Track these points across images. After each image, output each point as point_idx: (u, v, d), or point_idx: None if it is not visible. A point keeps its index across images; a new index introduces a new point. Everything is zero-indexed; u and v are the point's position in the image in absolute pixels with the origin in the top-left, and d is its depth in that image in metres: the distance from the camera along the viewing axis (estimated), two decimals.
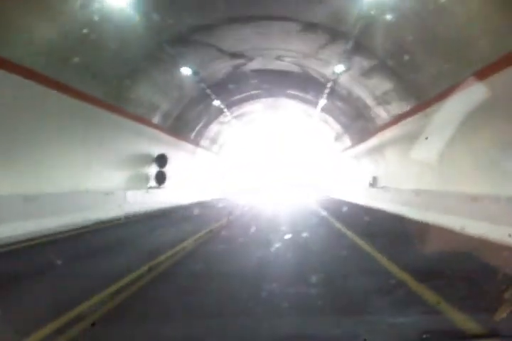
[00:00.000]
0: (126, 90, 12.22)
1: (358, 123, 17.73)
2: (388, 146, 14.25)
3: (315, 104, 20.27)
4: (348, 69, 13.18)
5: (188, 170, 22.14)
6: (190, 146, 21.31)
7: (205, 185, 25.59)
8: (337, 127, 22.45)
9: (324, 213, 12.79)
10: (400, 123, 12.39)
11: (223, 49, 14.03)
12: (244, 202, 21.55)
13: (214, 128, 23.88)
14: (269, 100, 22.89)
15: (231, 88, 18.41)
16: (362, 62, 12.41)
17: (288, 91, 20.35)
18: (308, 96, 19.98)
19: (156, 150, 16.12)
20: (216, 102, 18.57)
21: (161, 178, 16.40)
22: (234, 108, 22.66)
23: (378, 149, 15.84)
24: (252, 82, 18.38)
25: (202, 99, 17.46)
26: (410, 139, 10.84)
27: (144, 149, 14.96)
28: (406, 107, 11.64)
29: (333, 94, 16.59)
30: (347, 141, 22.58)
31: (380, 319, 2.91)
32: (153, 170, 16.12)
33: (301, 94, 20.16)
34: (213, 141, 25.91)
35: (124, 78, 11.68)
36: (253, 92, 20.63)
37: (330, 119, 22.24)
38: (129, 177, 13.49)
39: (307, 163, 35.15)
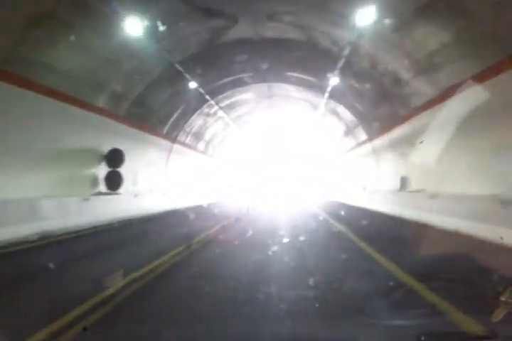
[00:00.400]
0: (33, 49, 7.90)
1: (381, 108, 13.49)
2: (430, 134, 9.97)
3: (322, 90, 16.05)
4: (376, 23, 8.92)
5: (163, 170, 17.90)
6: (163, 142, 17.02)
7: (189, 188, 21.35)
8: (349, 118, 18.21)
9: (348, 234, 8.37)
10: (459, 95, 8.12)
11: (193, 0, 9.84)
12: (232, 210, 17.12)
13: (197, 121, 19.59)
14: (263, 87, 18.63)
15: (211, 66, 14.09)
16: (399, 6, 8.22)
17: (287, 73, 16.10)
18: (313, 79, 15.75)
19: (105, 145, 11.81)
20: (193, 85, 14.22)
21: (114, 181, 12.08)
22: (220, 97, 18.40)
23: (411, 140, 11.57)
24: (238, 58, 14.07)
25: (171, 78, 13.15)
26: (492, 117, 6.64)
27: (82, 142, 10.60)
28: (479, 66, 7.36)
29: (348, 68, 12.34)
30: (361, 134, 18.36)
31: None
32: (102, 170, 11.80)
33: (303, 76, 15.90)
34: (197, 136, 21.60)
35: (27, 28, 7.39)
36: (241, 75, 16.35)
37: (340, 108, 18.00)
38: (50, 180, 9.12)
39: (312, 163, 30.75)
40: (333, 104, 18.03)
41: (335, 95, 16.04)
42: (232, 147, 29.20)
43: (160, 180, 17.86)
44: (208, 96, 16.79)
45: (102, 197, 11.17)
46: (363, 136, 18.48)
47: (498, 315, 1.39)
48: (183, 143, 19.75)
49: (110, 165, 11.96)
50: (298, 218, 13.51)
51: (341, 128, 21.16)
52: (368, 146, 18.05)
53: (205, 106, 18.50)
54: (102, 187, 11.74)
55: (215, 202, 22.15)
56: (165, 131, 16.70)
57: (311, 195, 29.59)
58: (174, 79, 13.38)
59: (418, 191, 10.92)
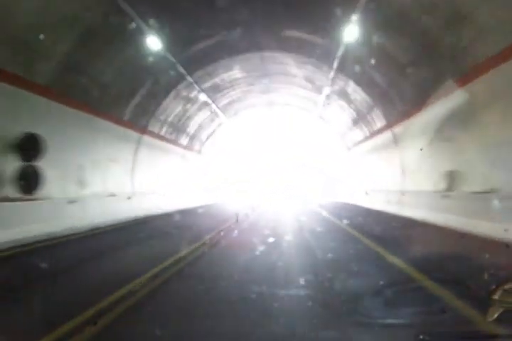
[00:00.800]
0: None
1: (417, 73, 9.61)
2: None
3: (329, 57, 12.18)
4: None
5: (129, 168, 14.13)
6: (126, 131, 13.17)
7: (171, 188, 17.66)
8: (362, 99, 14.42)
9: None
10: None
11: None
12: (216, 218, 12.72)
13: (173, 106, 15.74)
14: (255, 58, 14.69)
15: (178, 12, 9.82)
16: None
17: (284, 33, 12.05)
18: (319, 40, 11.85)
19: (17, 128, 7.97)
20: (155, 43, 10.11)
21: (31, 180, 8.23)
22: (199, 73, 14.57)
23: (471, 117, 7.72)
24: (218, 4, 9.88)
25: (120, 28, 9.21)
26: None
27: None
28: None
29: (371, 11, 8.40)
30: (377, 121, 14.59)
31: None
32: (10, 165, 7.94)
33: (306, 36, 11.93)
34: (177, 128, 17.75)
35: None
36: (224, 37, 12.22)
37: (351, 87, 14.20)
38: None
39: (314, 158, 27.17)
40: (342, 80, 14.22)
41: (346, 65, 12.16)
42: (224, 141, 25.48)
43: (125, 180, 14.09)
44: (181, 68, 12.90)
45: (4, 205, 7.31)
46: (380, 123, 14.69)
47: (493, 314, 1.34)
48: (157, 135, 15.92)
49: (24, 158, 8.12)
50: (312, 237, 7.97)
51: (350, 115, 17.36)
52: (386, 135, 14.26)
53: (181, 85, 14.65)
54: (11, 190, 7.89)
55: (197, 205, 18.23)
56: (126, 116, 12.86)
57: (314, 192, 26.27)
58: (126, 32, 9.45)
59: (488, 192, 7.05)
